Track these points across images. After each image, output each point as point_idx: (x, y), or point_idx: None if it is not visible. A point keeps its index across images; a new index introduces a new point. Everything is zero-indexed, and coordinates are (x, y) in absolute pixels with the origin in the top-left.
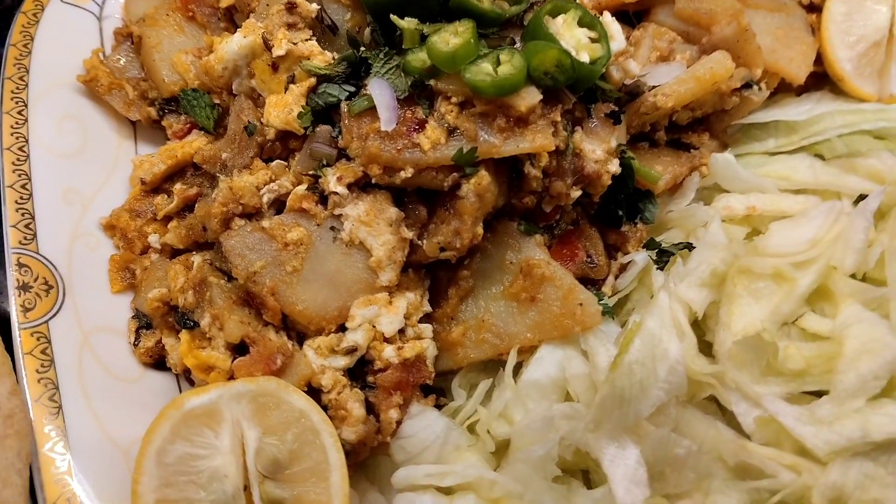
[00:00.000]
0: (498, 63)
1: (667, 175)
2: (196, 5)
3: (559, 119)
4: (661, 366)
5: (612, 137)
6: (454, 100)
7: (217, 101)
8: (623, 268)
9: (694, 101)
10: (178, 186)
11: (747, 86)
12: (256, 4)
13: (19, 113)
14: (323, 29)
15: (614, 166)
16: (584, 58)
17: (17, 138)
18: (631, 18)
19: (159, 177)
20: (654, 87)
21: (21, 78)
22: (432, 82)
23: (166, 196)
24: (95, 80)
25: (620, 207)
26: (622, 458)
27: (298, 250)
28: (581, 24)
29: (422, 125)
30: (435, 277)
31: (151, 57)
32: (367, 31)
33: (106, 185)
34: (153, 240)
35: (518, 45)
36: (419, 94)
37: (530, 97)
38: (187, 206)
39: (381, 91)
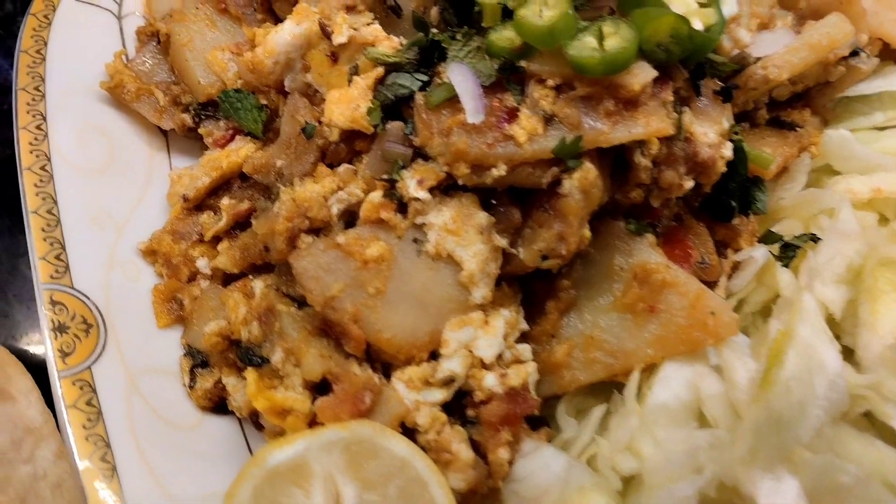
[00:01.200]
0: (602, 36)
1: (777, 158)
2: None
3: (670, 99)
4: (818, 380)
5: (724, 118)
6: (550, 83)
7: (264, 102)
8: (736, 266)
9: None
10: (225, 202)
11: (854, 54)
12: None
13: (38, 127)
14: (385, 11)
15: (728, 151)
16: (697, 25)
17: (37, 156)
18: None
19: (203, 192)
20: (758, 58)
21: (37, 88)
22: (523, 64)
23: (212, 213)
24: (121, 86)
25: (731, 197)
26: (780, 492)
27: (380, 268)
28: None
29: (513, 114)
30: (528, 289)
31: (183, 57)
32: (435, 10)
33: (141, 205)
34: (202, 264)
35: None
36: (507, 78)
37: (644, 74)
38: (238, 224)
39: (463, 78)
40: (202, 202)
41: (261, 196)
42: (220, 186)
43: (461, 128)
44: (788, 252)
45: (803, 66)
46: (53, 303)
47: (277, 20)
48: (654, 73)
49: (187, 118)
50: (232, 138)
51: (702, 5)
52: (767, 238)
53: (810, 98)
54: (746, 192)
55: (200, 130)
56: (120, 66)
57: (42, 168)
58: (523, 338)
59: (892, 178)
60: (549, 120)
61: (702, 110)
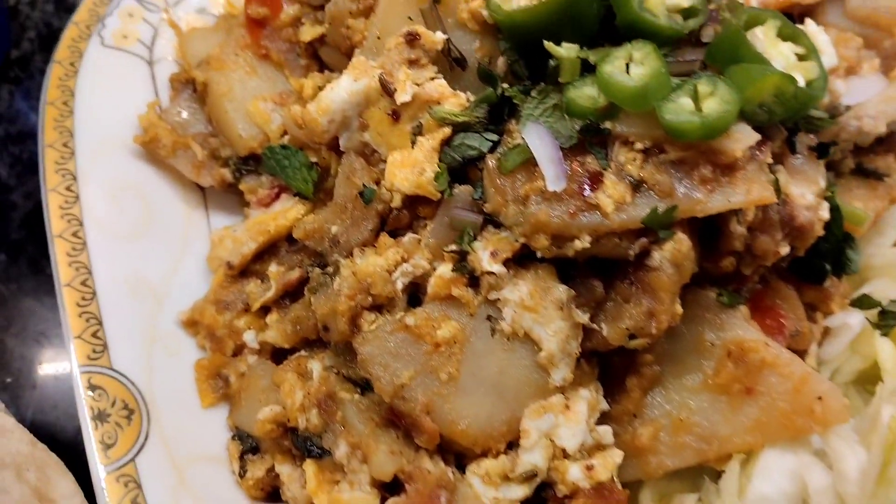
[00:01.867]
0: (697, 95)
1: (869, 213)
2: (270, 41)
3: (770, 161)
4: None
5: (820, 175)
6: (638, 145)
7: (314, 159)
8: (826, 331)
9: None
10: (273, 269)
11: None
12: (360, 38)
13: (68, 189)
14: (449, 63)
15: (826, 212)
16: (798, 80)
17: (69, 221)
18: (794, 21)
19: (248, 258)
20: (848, 106)
21: (65, 144)
22: (608, 125)
23: (259, 281)
24: (155, 140)
25: (824, 259)
26: None
27: (452, 351)
28: (781, 36)
29: (597, 179)
30: (606, 362)
31: (222, 108)
32: (502, 60)
33: (179, 269)
34: (249, 338)
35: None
36: (589, 140)
37: (745, 138)
38: (287, 293)
39: (540, 140)
40: (247, 267)
41: (312, 262)
42: (267, 250)
43: (539, 195)
44: (888, 320)
45: None
46: (92, 387)
47: (323, 66)
48: (756, 137)
49: (227, 173)
50: (277, 196)
51: (800, 58)
52: (862, 302)
53: (892, 142)
54: (838, 250)
55: (241, 186)
56: (154, 117)
57: (74, 234)
58: (603, 417)
59: None
60: (637, 186)
61: (797, 169)
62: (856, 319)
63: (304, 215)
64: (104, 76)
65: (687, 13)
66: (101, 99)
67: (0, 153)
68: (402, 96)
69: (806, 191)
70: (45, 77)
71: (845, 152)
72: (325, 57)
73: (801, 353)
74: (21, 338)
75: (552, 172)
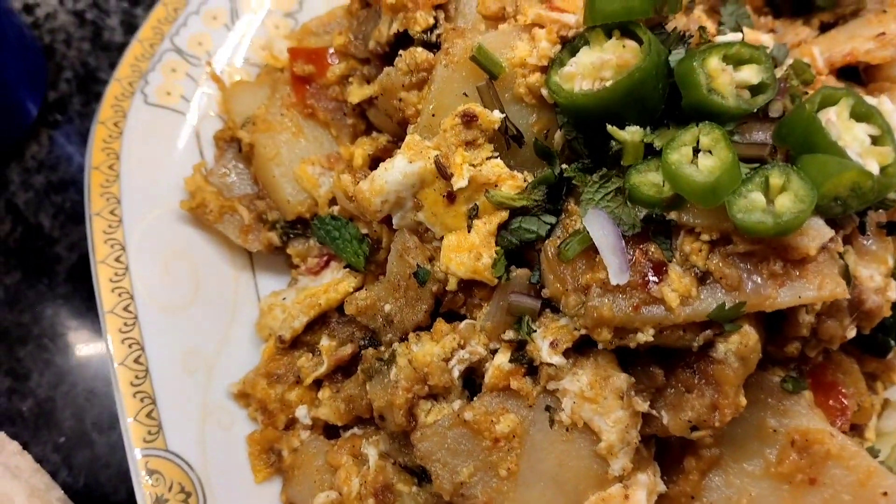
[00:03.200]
0: (768, 186)
1: None
2: (316, 100)
3: (841, 250)
4: None
5: (889, 254)
6: (704, 236)
7: (365, 231)
8: (886, 403)
9: None
10: (325, 343)
11: None
12: (413, 112)
13: (117, 260)
14: (506, 141)
15: (894, 292)
16: (873, 168)
17: (119, 294)
18: (861, 76)
19: (299, 332)
20: None
21: (112, 212)
22: (673, 215)
23: (310, 354)
24: (202, 206)
25: (888, 333)
26: None
27: (511, 445)
28: (855, 116)
29: (660, 269)
30: (664, 441)
31: (270, 172)
32: (559, 134)
33: (230, 337)
34: (301, 413)
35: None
36: (653, 229)
37: (820, 235)
38: (340, 367)
39: (603, 230)
40: (297, 338)
41: (364, 337)
42: (317, 319)
43: (601, 287)
44: None
45: None
46: (150, 472)
47: (370, 126)
48: (830, 234)
49: (274, 237)
50: (327, 264)
51: (874, 139)
52: None
53: None
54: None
55: (289, 251)
56: (200, 180)
57: (126, 309)
58: (660, 499)
59: None
60: (703, 278)
61: (866, 250)
62: None
63: (355, 288)
64: (149, 136)
65: (755, 89)
66: (147, 162)
67: (42, 203)
68: (459, 182)
69: (875, 272)
70: (89, 139)
71: None
72: (373, 118)
73: (861, 427)
74: (71, 396)
75: (616, 264)
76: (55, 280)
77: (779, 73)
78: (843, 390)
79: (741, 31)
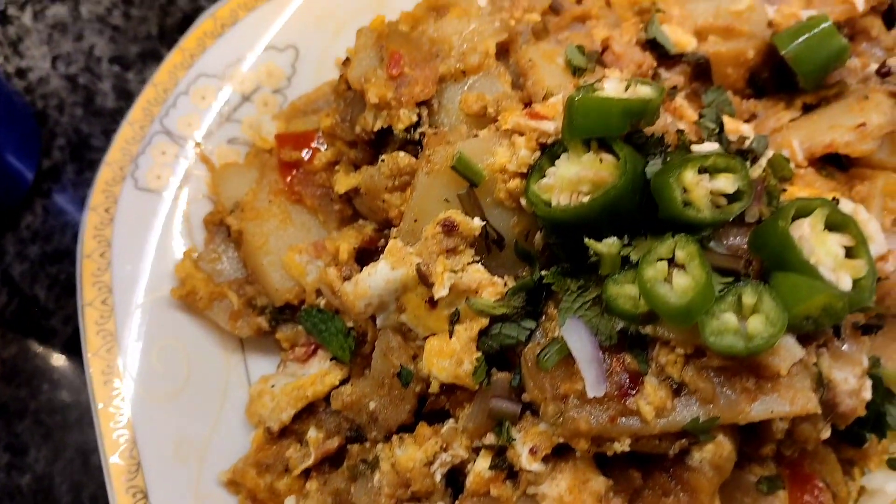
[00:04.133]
0: (741, 306)
1: None
2: (304, 186)
3: (814, 361)
4: None
5: (864, 354)
6: (679, 350)
7: (350, 325)
8: (863, 490)
9: None
10: (313, 434)
11: None
12: (396, 213)
13: (108, 351)
14: (487, 246)
15: (868, 392)
16: (846, 282)
17: (111, 389)
18: (842, 162)
19: (287, 423)
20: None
21: (104, 301)
22: (649, 329)
23: (298, 444)
24: (192, 293)
25: (864, 426)
26: None
27: None
28: (830, 226)
29: (637, 380)
30: None
31: (258, 261)
32: (539, 236)
33: (219, 424)
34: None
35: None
36: (630, 341)
37: (791, 355)
38: (327, 458)
39: (580, 341)
40: (286, 427)
41: (350, 429)
42: (306, 408)
43: (579, 398)
44: None
45: None
46: None
47: (356, 214)
48: (801, 354)
49: (263, 322)
50: (314, 352)
51: (848, 251)
52: None
53: None
54: (878, 415)
55: (278, 336)
56: (189, 267)
57: (117, 402)
58: None
59: None
60: (678, 390)
61: (841, 352)
62: (893, 486)
63: (341, 381)
64: (140, 222)
65: (732, 196)
66: (138, 248)
67: (38, 274)
68: (440, 291)
69: (849, 374)
70: (81, 227)
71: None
72: (359, 207)
73: None
74: (68, 471)
75: (592, 376)
76: (52, 353)
77: (757, 170)
78: (820, 483)
79: (721, 123)
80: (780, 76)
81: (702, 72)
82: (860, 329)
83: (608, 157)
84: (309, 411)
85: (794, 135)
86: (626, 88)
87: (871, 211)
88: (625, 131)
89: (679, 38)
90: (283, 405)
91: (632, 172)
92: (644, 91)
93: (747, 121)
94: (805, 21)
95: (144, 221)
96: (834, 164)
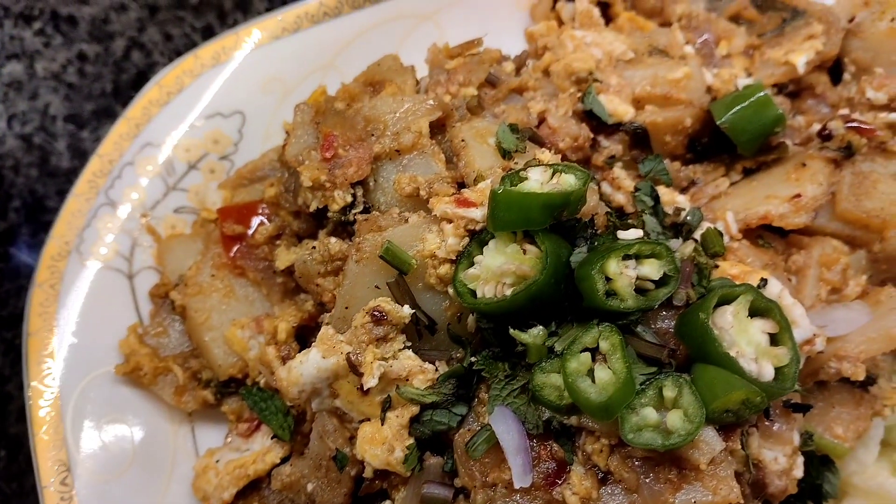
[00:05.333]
0: (662, 401)
1: (850, 437)
2: (247, 259)
3: (738, 448)
4: None
5: (795, 432)
6: (604, 440)
7: (291, 404)
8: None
9: None
10: None
11: None
12: (329, 297)
13: (55, 431)
14: (419, 331)
15: (800, 470)
16: (768, 372)
17: (57, 469)
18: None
19: (230, 501)
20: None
21: (49, 380)
22: (574, 419)
23: None
24: (137, 369)
25: (801, 497)
26: None
27: None
28: (754, 310)
29: (563, 468)
30: None
31: (201, 336)
32: (472, 319)
33: (167, 499)
34: None
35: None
36: (558, 430)
37: (710, 449)
38: None
39: (508, 432)
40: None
41: (290, 501)
42: (252, 484)
43: (506, 488)
44: None
45: (879, 353)
46: None
47: (299, 287)
48: (721, 447)
49: (209, 395)
50: (258, 428)
51: (772, 337)
52: None
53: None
54: (815, 486)
55: (224, 409)
56: (134, 343)
57: (62, 482)
58: None
59: None
60: (603, 479)
61: (771, 432)
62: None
63: (282, 458)
64: (85, 297)
65: (659, 282)
66: (83, 323)
67: None
68: (370, 381)
69: (779, 454)
70: (27, 303)
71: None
72: (300, 282)
73: None
74: None
75: (519, 466)
76: (7, 421)
77: (690, 245)
78: None
79: (657, 196)
80: (721, 141)
81: (641, 139)
82: (791, 407)
83: (532, 249)
84: (253, 487)
85: (731, 205)
86: (553, 175)
87: (807, 282)
88: (547, 224)
89: (616, 107)
90: (225, 483)
91: (553, 266)
92: (568, 181)
93: (686, 188)
94: (741, 90)
95: (90, 296)
96: (773, 229)
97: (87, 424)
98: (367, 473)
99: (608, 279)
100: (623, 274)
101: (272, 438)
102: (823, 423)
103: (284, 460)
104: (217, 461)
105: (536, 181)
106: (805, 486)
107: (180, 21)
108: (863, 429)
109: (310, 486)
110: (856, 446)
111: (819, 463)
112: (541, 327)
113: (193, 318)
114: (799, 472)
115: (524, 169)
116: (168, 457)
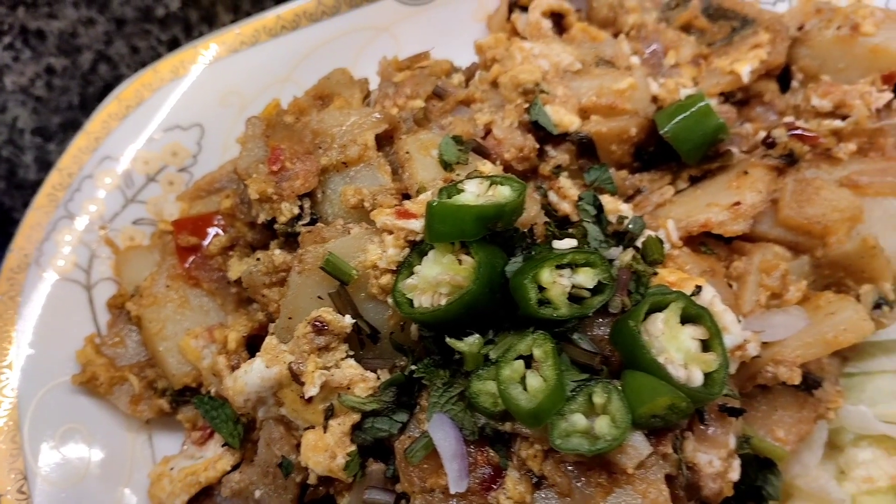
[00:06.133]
0: (591, 406)
1: (791, 440)
2: (201, 270)
3: (669, 451)
4: None
5: (731, 435)
6: (538, 446)
7: (241, 413)
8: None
9: None
10: None
11: (877, 306)
12: (275, 308)
13: (13, 440)
14: (361, 340)
15: (736, 472)
16: (697, 376)
17: (14, 477)
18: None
19: None
20: (766, 342)
21: (7, 390)
22: (508, 426)
23: None
24: (93, 379)
25: (742, 499)
26: None
27: None
28: (685, 317)
29: (499, 474)
30: None
31: (155, 346)
32: (414, 328)
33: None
34: None
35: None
36: (494, 435)
37: (637, 453)
38: None
39: (445, 437)
40: None
41: None
42: (204, 491)
43: (443, 493)
44: None
45: (815, 358)
46: None
47: (251, 298)
48: (648, 451)
49: (164, 404)
50: (211, 436)
51: (703, 343)
52: None
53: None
54: (756, 488)
55: (179, 417)
56: (90, 353)
57: (19, 490)
58: None
59: None
60: (538, 483)
61: (706, 435)
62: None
63: (233, 466)
64: (44, 308)
65: (595, 290)
66: (41, 334)
67: None
68: (311, 390)
69: (714, 457)
70: None
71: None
72: (247, 292)
73: None
74: None
75: (455, 472)
76: None
77: (628, 255)
78: None
79: (600, 205)
80: (667, 150)
81: (588, 149)
82: (726, 411)
83: (467, 260)
84: (206, 494)
85: (674, 213)
86: (490, 187)
87: (746, 288)
88: (480, 235)
89: (562, 118)
90: (177, 490)
91: (486, 276)
92: (503, 193)
93: (632, 196)
94: (683, 100)
95: (48, 307)
96: (718, 236)
97: (44, 434)
98: (312, 480)
99: (542, 288)
100: (556, 283)
101: (223, 446)
102: (766, 427)
103: (235, 467)
104: (171, 469)
105: (472, 193)
106: (745, 489)
107: (147, 34)
108: (805, 432)
109: (257, 493)
110: (799, 449)
111: (760, 466)
112: (477, 336)
113: (148, 329)
114: (735, 475)
115: (461, 181)
116: (125, 465)
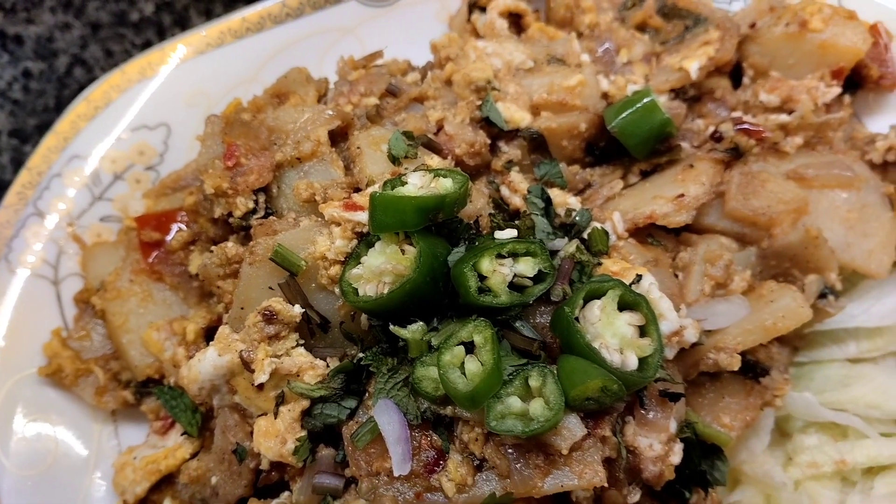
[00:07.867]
0: (528, 390)
1: (737, 426)
2: (164, 265)
3: (608, 434)
4: None
5: (672, 420)
6: (478, 430)
7: (198, 402)
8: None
9: None
10: None
11: (822, 295)
12: (229, 300)
13: None
14: (311, 329)
15: (677, 456)
16: (632, 361)
17: None
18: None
19: (142, 496)
20: (709, 330)
21: None
22: (448, 410)
23: None
24: (59, 371)
25: (686, 484)
26: None
27: None
28: (623, 304)
29: (442, 457)
30: None
31: (119, 339)
32: (364, 318)
33: (88, 497)
34: None
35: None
36: (435, 420)
37: (571, 435)
38: None
39: (390, 422)
40: (146, 498)
41: (200, 500)
42: (165, 478)
43: (388, 476)
44: None
45: (756, 344)
46: None
47: (211, 293)
48: (582, 432)
49: (128, 395)
50: (172, 425)
51: (640, 328)
52: None
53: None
54: (701, 472)
55: (143, 408)
56: (57, 346)
57: None
58: None
59: (858, 447)
60: (479, 466)
61: (647, 420)
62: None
63: (192, 454)
64: (12, 303)
65: (536, 278)
66: (11, 330)
67: None
68: (260, 377)
69: (654, 440)
70: None
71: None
72: (204, 284)
73: None
74: None
75: (399, 455)
76: None
77: (572, 246)
78: None
79: (548, 198)
80: (618, 145)
81: (541, 144)
82: (666, 396)
83: (410, 249)
84: (168, 482)
85: (621, 205)
86: (433, 179)
87: (691, 278)
88: (421, 225)
89: (512, 114)
90: (139, 478)
91: (427, 265)
92: (444, 185)
93: (582, 190)
94: (630, 96)
95: (18, 302)
96: (665, 228)
97: (13, 424)
98: (264, 465)
99: (483, 277)
100: (497, 271)
101: (182, 435)
102: (712, 413)
103: (195, 455)
104: (135, 458)
105: (414, 185)
106: (689, 473)
107: (121, 38)
108: (751, 418)
109: (213, 479)
110: (746, 435)
111: (706, 451)
112: (421, 323)
113: (112, 322)
114: (676, 459)
115: (406, 174)
116: (91, 454)
